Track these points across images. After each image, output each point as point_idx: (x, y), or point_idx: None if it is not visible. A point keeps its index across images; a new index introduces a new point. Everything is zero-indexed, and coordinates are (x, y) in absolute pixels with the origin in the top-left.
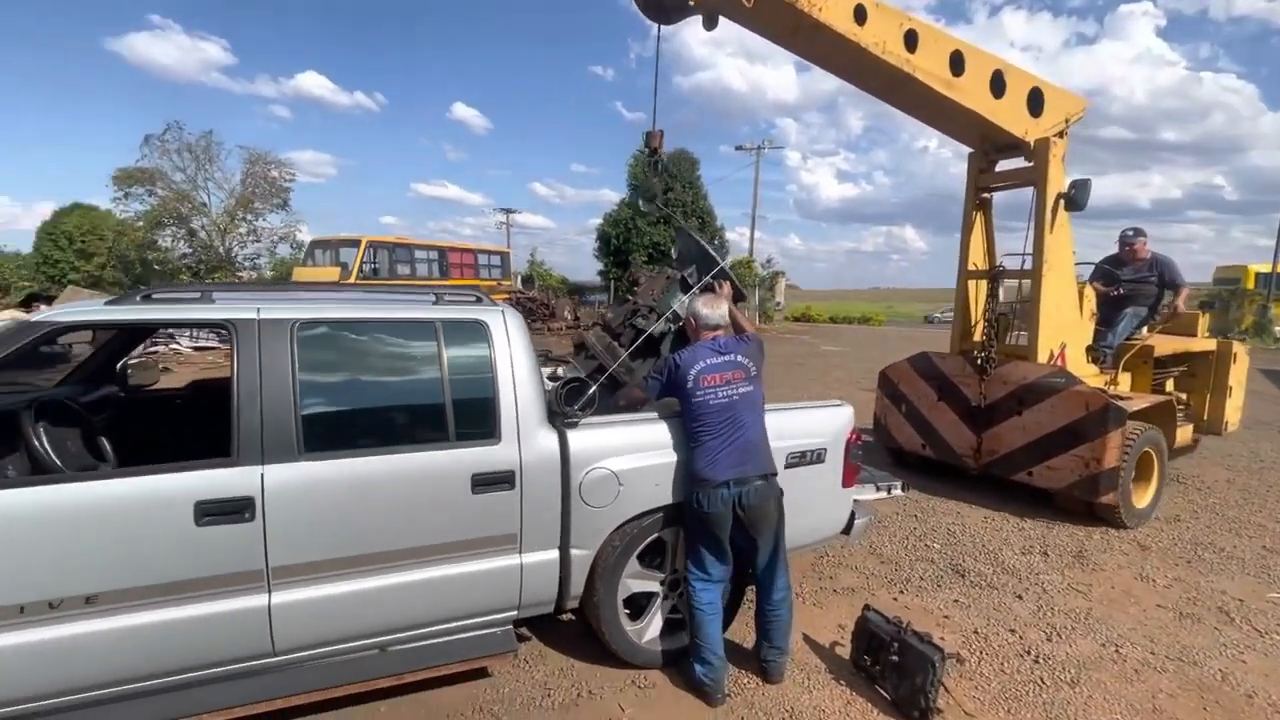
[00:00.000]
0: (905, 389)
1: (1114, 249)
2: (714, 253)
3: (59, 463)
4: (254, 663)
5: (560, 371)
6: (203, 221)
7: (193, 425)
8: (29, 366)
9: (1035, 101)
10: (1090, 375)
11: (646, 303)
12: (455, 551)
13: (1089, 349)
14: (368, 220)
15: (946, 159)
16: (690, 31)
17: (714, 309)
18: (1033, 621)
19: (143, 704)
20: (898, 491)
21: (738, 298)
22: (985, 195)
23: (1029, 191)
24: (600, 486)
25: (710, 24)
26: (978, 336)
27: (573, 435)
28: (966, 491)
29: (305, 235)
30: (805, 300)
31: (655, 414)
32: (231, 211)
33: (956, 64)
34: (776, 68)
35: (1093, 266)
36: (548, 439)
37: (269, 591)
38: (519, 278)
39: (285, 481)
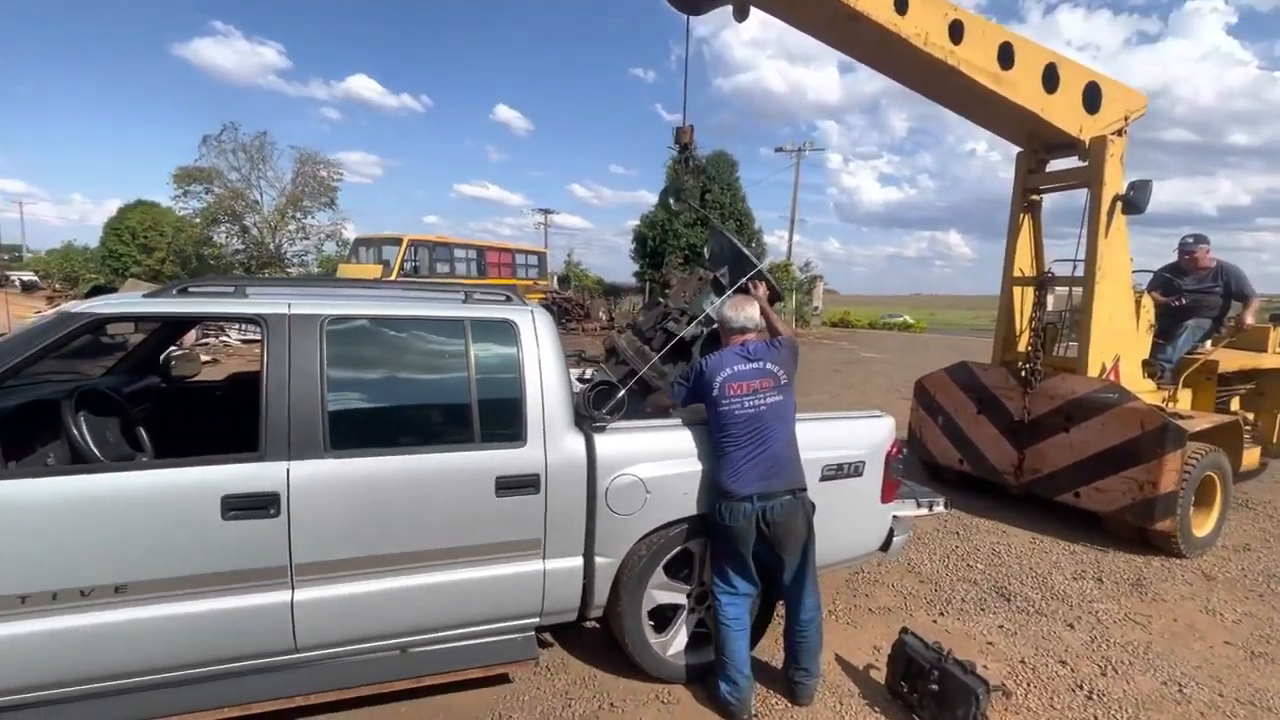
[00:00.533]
0: (942, 400)
1: (1175, 258)
2: (748, 252)
3: (97, 452)
4: (276, 659)
5: (589, 374)
6: (255, 219)
7: (230, 418)
8: (87, 355)
9: (1092, 97)
10: (1146, 391)
11: (678, 305)
12: (477, 555)
13: (1145, 363)
14: (411, 219)
15: (996, 162)
16: (731, 33)
17: (741, 311)
18: (1085, 653)
19: (166, 694)
20: (940, 509)
21: (774, 299)
22: (1034, 197)
23: (1080, 194)
24: (627, 493)
25: (741, 15)
26: (1022, 347)
27: (600, 440)
28: (1009, 511)
29: (351, 233)
30: (844, 305)
31: (684, 420)
32: (282, 209)
33: (1005, 57)
34: (819, 69)
35: (1151, 275)
36: (574, 443)
37: (292, 588)
38: (555, 278)
39: (310, 478)
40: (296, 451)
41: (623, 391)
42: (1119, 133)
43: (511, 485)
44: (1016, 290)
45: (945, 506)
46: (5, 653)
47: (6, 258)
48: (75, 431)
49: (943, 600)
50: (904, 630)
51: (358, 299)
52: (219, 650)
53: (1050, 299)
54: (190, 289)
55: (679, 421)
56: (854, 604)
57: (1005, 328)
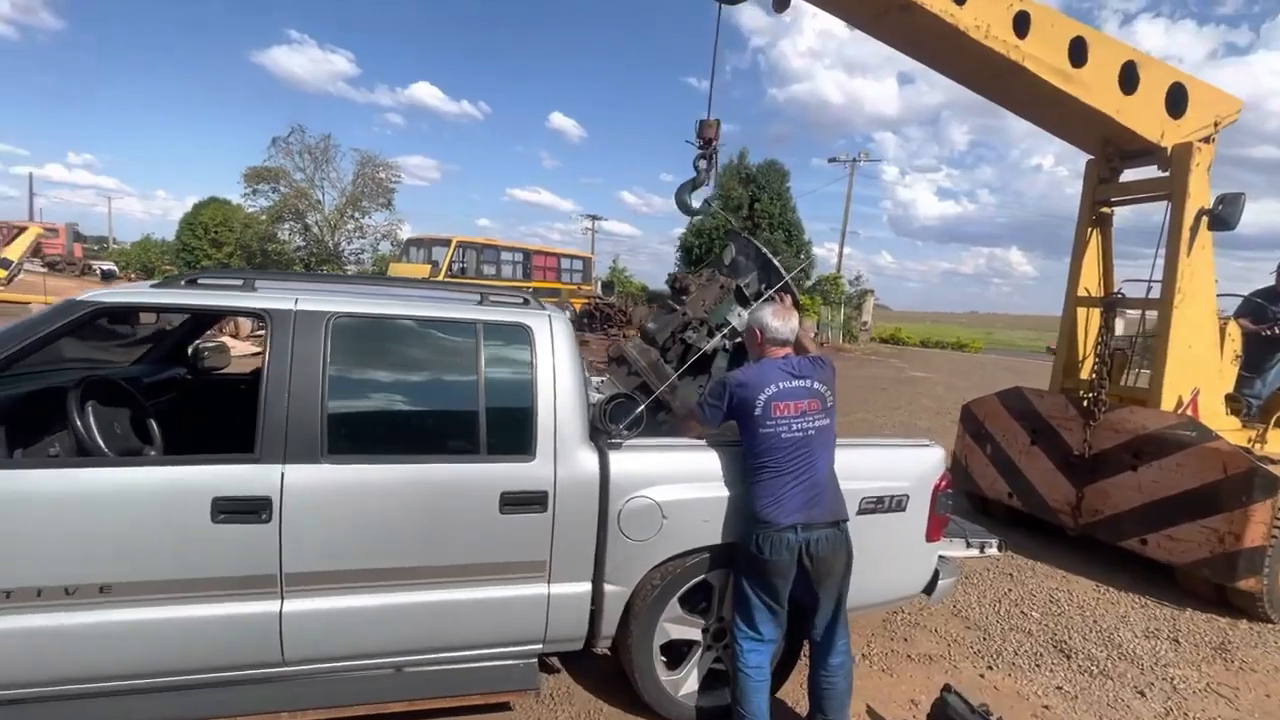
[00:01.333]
0: (991, 427)
1: (1263, 282)
2: (776, 261)
3: (101, 444)
4: (262, 671)
5: (598, 382)
6: (316, 218)
7: (249, 413)
8: (135, 341)
9: (1176, 100)
10: (1229, 429)
11: (698, 314)
12: (478, 574)
13: (1229, 398)
14: (464, 222)
15: (1063, 178)
16: (788, 43)
17: (785, 321)
18: None
19: (145, 700)
20: (993, 551)
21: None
22: (1105, 210)
23: (1153, 210)
24: (641, 517)
25: (780, 6)
26: (1085, 374)
27: (614, 457)
28: (1068, 553)
29: (406, 233)
30: (895, 321)
31: (706, 440)
32: (342, 209)
33: (1077, 52)
34: (878, 80)
35: (1240, 300)
36: (587, 459)
37: (281, 598)
38: (599, 283)
39: (305, 484)
40: (293, 455)
41: (643, 405)
42: (1207, 140)
43: (517, 502)
44: (1081, 311)
45: (1000, 549)
46: None
47: (97, 248)
48: (78, 422)
49: (992, 651)
50: (946, 688)
51: (369, 297)
52: (203, 658)
53: (1120, 323)
54: (199, 280)
55: (702, 440)
56: (891, 648)
57: (1066, 352)
